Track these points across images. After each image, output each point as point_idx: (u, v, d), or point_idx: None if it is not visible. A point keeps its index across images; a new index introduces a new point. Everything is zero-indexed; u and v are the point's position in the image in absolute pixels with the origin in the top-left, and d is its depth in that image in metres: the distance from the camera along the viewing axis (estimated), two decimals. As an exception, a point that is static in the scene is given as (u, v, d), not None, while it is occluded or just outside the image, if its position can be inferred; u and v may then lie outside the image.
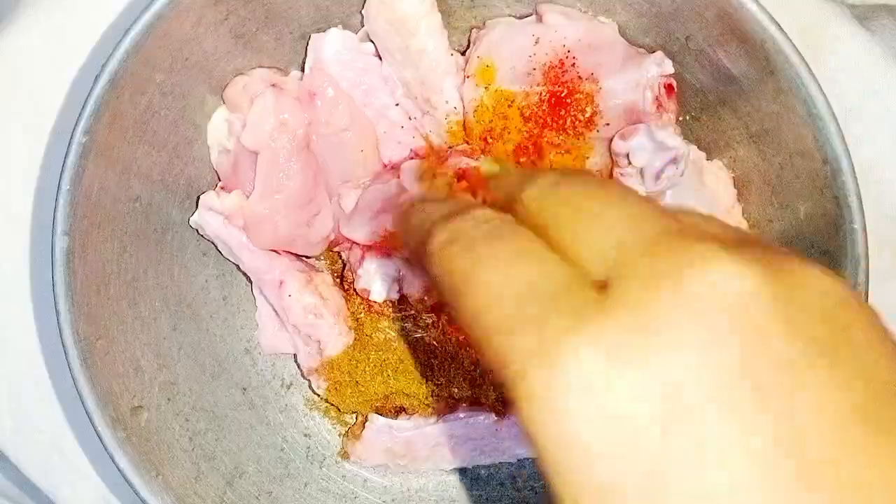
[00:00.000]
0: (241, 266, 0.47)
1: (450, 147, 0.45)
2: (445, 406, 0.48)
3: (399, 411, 0.48)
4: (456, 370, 0.47)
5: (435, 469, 0.50)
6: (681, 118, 0.45)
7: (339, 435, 0.50)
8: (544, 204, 0.28)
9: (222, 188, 0.46)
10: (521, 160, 0.44)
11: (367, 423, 0.48)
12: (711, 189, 0.45)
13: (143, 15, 0.39)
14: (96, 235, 0.42)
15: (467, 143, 0.45)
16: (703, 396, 0.22)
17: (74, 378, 0.41)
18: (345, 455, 0.49)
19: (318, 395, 0.49)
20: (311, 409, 0.50)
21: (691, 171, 0.44)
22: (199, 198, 0.46)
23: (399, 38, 0.43)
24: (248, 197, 0.45)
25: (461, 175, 0.43)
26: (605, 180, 0.28)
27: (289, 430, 0.50)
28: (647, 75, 0.42)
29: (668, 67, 0.43)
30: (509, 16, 0.45)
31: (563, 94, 0.43)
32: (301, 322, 0.46)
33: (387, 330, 0.47)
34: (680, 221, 0.26)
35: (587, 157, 0.43)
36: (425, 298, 0.46)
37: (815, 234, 0.42)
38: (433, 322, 0.47)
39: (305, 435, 0.50)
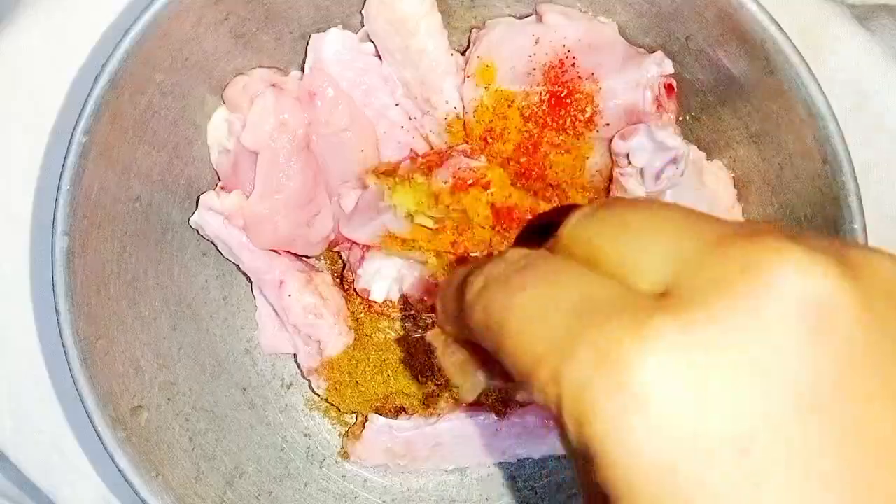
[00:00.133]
0: (241, 266, 0.47)
1: (450, 147, 0.45)
2: (445, 406, 0.48)
3: (399, 411, 0.48)
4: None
5: (435, 469, 0.50)
6: (681, 118, 0.45)
7: (339, 435, 0.50)
8: (582, 231, 0.26)
9: (222, 188, 0.46)
10: (521, 160, 0.44)
11: (367, 423, 0.48)
12: (711, 189, 0.45)
13: (143, 15, 0.39)
14: (96, 235, 0.41)
15: (467, 142, 0.45)
16: (789, 418, 0.20)
17: (74, 378, 0.40)
18: (345, 455, 0.49)
19: (318, 395, 0.49)
20: (311, 409, 0.50)
21: (691, 171, 0.44)
22: (199, 198, 0.46)
23: (399, 38, 0.43)
24: (248, 197, 0.45)
25: (461, 185, 0.43)
26: (643, 199, 0.27)
27: (289, 430, 0.50)
28: (647, 75, 0.42)
29: (668, 67, 0.43)
30: (509, 16, 0.45)
31: (563, 94, 0.43)
32: (301, 322, 0.46)
33: (387, 330, 0.47)
34: (732, 224, 0.24)
35: (587, 157, 0.43)
36: (425, 298, 0.46)
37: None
38: (433, 322, 0.47)
39: (305, 435, 0.50)
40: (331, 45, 0.44)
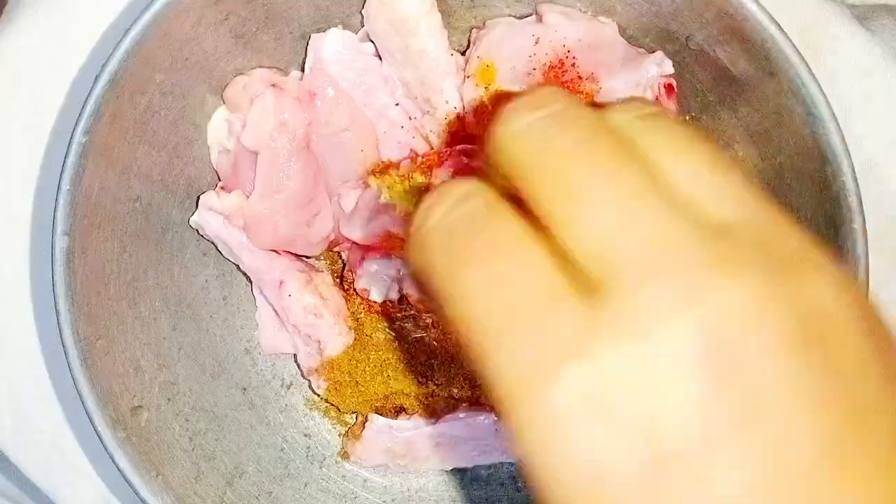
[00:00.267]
0: (241, 266, 0.47)
1: (449, 147, 0.45)
2: (445, 406, 0.48)
3: (399, 411, 0.48)
4: (456, 370, 0.47)
5: (435, 469, 0.50)
6: (681, 118, 0.44)
7: (339, 435, 0.50)
8: (522, 164, 0.25)
9: (222, 188, 0.46)
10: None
11: (367, 424, 0.48)
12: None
13: (143, 15, 0.39)
14: (96, 235, 0.42)
15: (467, 141, 0.45)
16: (691, 450, 0.21)
17: (74, 378, 0.41)
18: (345, 455, 0.49)
19: (318, 395, 0.49)
20: (311, 409, 0.50)
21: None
22: (199, 198, 0.46)
23: (399, 38, 0.43)
24: (248, 197, 0.45)
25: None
26: (606, 140, 0.24)
27: (289, 430, 0.50)
28: (646, 75, 0.42)
29: (668, 67, 0.43)
30: (509, 16, 0.45)
31: (563, 94, 0.43)
32: (301, 322, 0.46)
33: (387, 330, 0.47)
34: (695, 210, 0.23)
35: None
36: (425, 298, 0.46)
37: (815, 234, 0.42)
38: (433, 322, 0.47)
39: (305, 435, 0.50)
40: (331, 45, 0.44)
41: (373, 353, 0.47)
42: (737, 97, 0.42)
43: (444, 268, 0.25)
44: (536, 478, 0.22)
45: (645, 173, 0.24)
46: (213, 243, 0.47)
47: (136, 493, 0.42)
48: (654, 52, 0.43)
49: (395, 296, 0.46)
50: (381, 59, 0.45)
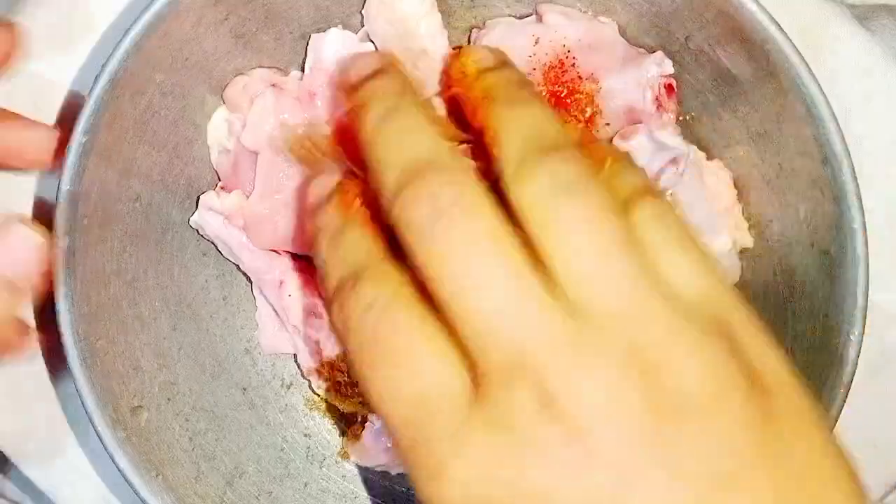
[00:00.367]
0: (241, 266, 0.47)
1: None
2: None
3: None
4: None
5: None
6: (681, 118, 0.45)
7: (340, 435, 0.50)
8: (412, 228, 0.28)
9: (222, 188, 0.46)
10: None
11: (366, 425, 0.48)
12: (712, 189, 0.45)
13: (143, 15, 0.39)
14: (96, 235, 0.42)
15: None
16: None
17: (74, 378, 0.41)
18: (345, 455, 0.49)
19: (318, 396, 0.49)
20: (311, 409, 0.50)
21: (692, 172, 0.44)
22: (199, 198, 0.46)
23: (399, 39, 0.43)
24: (248, 197, 0.45)
25: None
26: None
27: (289, 430, 0.50)
28: (647, 75, 0.42)
29: (668, 67, 0.43)
30: (509, 16, 0.45)
31: (563, 95, 0.43)
32: (301, 322, 0.46)
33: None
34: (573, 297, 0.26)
35: (587, 158, 0.43)
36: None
37: (814, 235, 0.42)
38: None
39: (305, 435, 0.50)
40: (331, 46, 0.44)
41: (373, 353, 0.47)
42: (737, 97, 0.42)
43: (354, 360, 0.28)
44: None
45: (530, 262, 0.27)
46: (213, 243, 0.47)
47: (136, 493, 0.42)
48: (654, 52, 0.43)
49: None
50: (381, 59, 0.45)
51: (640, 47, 0.44)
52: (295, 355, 0.49)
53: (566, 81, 0.43)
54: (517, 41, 0.43)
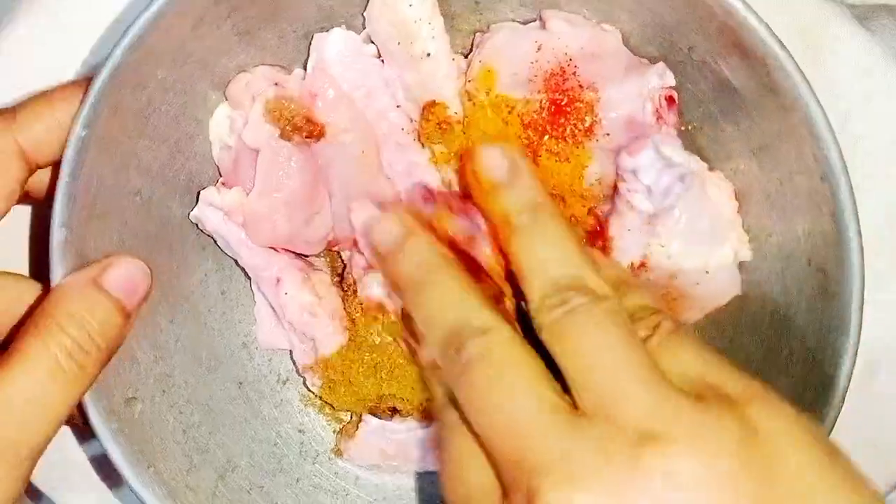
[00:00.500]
0: (239, 262, 0.47)
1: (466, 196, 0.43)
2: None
3: (393, 412, 0.48)
4: None
5: (428, 469, 0.50)
6: (682, 129, 0.44)
7: (334, 432, 0.51)
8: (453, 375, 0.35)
9: (223, 184, 0.46)
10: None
11: (360, 424, 0.48)
12: (714, 201, 0.44)
13: (146, 10, 0.39)
14: (95, 228, 0.42)
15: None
16: None
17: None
18: (338, 452, 0.50)
19: (313, 393, 0.49)
20: (306, 405, 0.51)
21: (695, 184, 0.44)
22: (199, 193, 0.46)
23: (401, 42, 0.43)
24: (248, 194, 0.45)
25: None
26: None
27: (283, 425, 0.50)
28: (648, 87, 0.42)
29: (670, 79, 0.42)
30: (513, 20, 0.44)
31: (563, 103, 0.43)
32: (297, 320, 0.47)
33: (382, 333, 0.47)
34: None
35: (586, 166, 0.43)
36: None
37: (812, 251, 0.42)
38: None
39: (299, 431, 0.50)
40: (333, 46, 0.44)
41: (367, 354, 0.47)
42: (738, 110, 0.42)
43: (461, 390, 0.34)
44: None
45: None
46: (212, 238, 0.47)
47: (129, 485, 0.42)
48: (656, 61, 0.43)
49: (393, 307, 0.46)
50: (383, 60, 0.44)
51: (643, 57, 0.43)
52: (291, 352, 0.49)
53: (567, 89, 0.43)
54: (520, 46, 0.43)
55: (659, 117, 0.42)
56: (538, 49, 0.43)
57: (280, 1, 0.43)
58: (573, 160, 0.43)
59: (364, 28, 0.44)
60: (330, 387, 0.48)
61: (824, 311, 0.41)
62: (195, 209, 0.46)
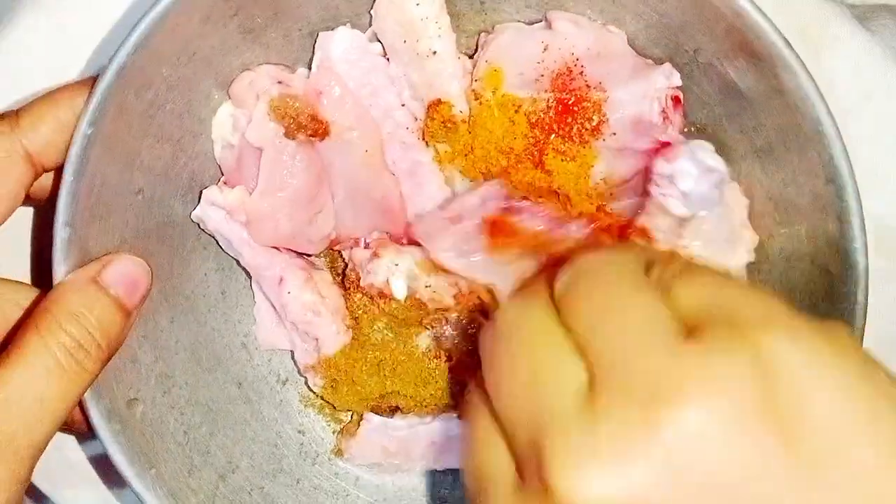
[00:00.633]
0: (241, 261, 0.47)
1: (522, 199, 0.43)
2: (440, 407, 0.48)
3: (394, 410, 0.48)
4: (454, 378, 0.47)
5: (428, 468, 0.50)
6: (686, 130, 0.44)
7: (333, 432, 0.50)
8: (567, 302, 0.31)
9: (225, 183, 0.46)
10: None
11: (362, 422, 0.48)
12: (730, 204, 0.44)
13: (151, 9, 0.39)
14: (98, 227, 0.41)
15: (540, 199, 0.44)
16: None
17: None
18: (338, 452, 0.49)
19: (314, 393, 0.49)
20: (306, 405, 0.50)
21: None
22: (201, 192, 0.45)
23: (407, 40, 0.43)
24: (251, 193, 0.45)
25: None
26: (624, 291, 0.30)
27: (283, 426, 0.50)
28: (654, 87, 0.42)
29: (676, 80, 0.42)
30: (518, 21, 0.44)
31: (570, 102, 0.43)
32: (299, 319, 0.46)
33: (384, 330, 0.47)
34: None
35: (592, 166, 0.43)
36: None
37: (815, 253, 0.42)
38: (445, 320, 0.46)
39: (299, 431, 0.50)
40: (339, 44, 0.44)
41: (370, 352, 0.47)
42: (743, 112, 0.42)
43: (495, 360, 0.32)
44: None
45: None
46: (213, 238, 0.47)
47: (130, 486, 0.42)
48: (662, 63, 0.43)
49: (401, 294, 0.46)
50: (388, 59, 0.44)
51: (649, 58, 0.44)
52: (292, 352, 0.49)
53: (574, 89, 0.43)
54: (526, 46, 0.43)
55: (665, 117, 0.42)
56: (544, 49, 0.43)
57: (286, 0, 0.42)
58: (579, 159, 0.43)
59: (369, 27, 0.44)
60: (332, 386, 0.48)
61: (828, 311, 0.42)
62: (197, 208, 0.45)
